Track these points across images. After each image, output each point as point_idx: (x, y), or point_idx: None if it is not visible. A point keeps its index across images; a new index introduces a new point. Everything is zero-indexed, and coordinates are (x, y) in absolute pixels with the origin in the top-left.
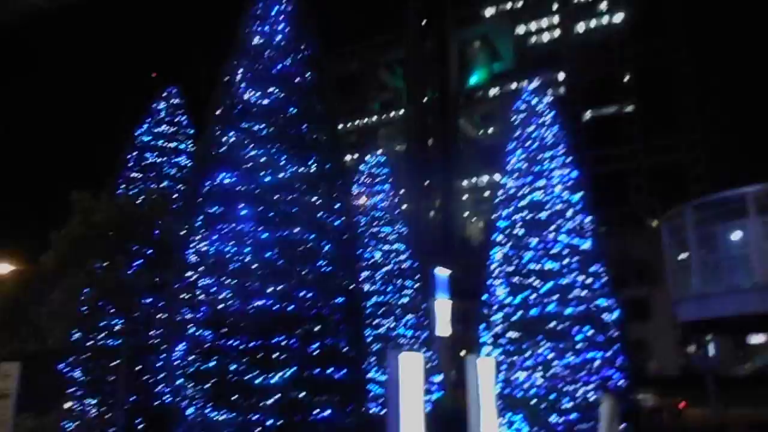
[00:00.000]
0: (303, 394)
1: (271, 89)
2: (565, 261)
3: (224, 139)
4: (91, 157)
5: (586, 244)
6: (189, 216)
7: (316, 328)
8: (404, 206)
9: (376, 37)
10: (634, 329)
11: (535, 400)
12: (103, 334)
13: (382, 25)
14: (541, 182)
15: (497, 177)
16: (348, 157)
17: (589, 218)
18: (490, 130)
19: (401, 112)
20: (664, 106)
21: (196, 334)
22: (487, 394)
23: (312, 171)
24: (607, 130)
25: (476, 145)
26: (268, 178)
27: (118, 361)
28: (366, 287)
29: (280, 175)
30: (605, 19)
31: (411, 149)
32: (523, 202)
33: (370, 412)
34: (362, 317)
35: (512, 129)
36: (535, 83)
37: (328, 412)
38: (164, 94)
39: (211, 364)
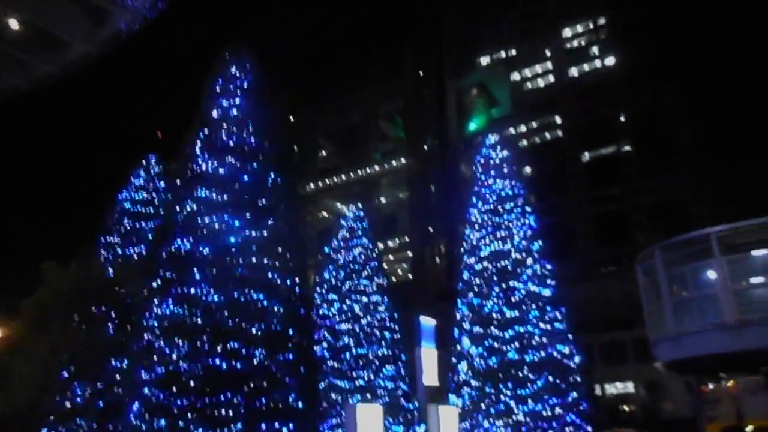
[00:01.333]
0: None
1: (227, 159)
2: (524, 308)
3: (183, 206)
4: (74, 224)
5: (546, 291)
6: (148, 280)
7: (264, 384)
8: (382, 258)
9: (375, 88)
10: (647, 370)
11: None
12: (72, 396)
13: (380, 77)
14: (501, 233)
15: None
16: (352, 207)
17: (548, 265)
18: None
19: (403, 160)
20: (661, 144)
21: (150, 394)
22: None
23: (265, 235)
24: (607, 170)
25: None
26: (221, 243)
27: (81, 422)
28: (345, 340)
29: (234, 240)
30: (597, 63)
31: (413, 197)
32: (483, 253)
33: None
34: (314, 372)
35: (472, 183)
36: (491, 139)
37: None
38: (143, 162)
39: (162, 422)
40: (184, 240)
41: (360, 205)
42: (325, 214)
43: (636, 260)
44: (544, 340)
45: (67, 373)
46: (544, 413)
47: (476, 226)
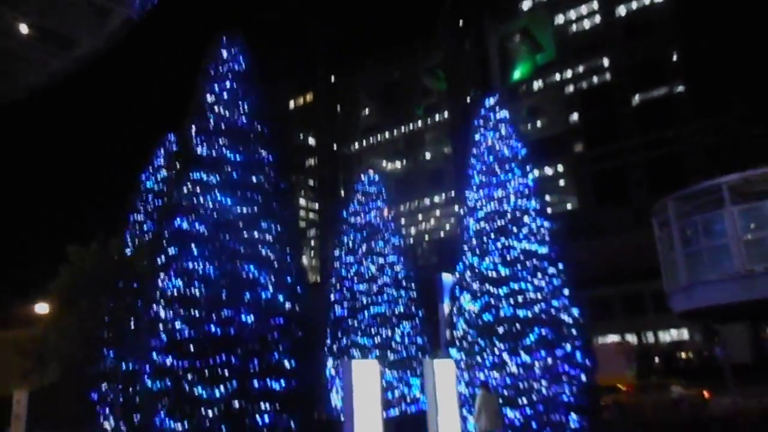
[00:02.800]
0: (244, 403)
1: (218, 141)
2: (519, 266)
3: (180, 188)
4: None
5: (543, 249)
6: (155, 256)
7: (256, 347)
8: (399, 221)
9: (414, 43)
10: None
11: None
12: (100, 363)
13: (419, 30)
14: (498, 193)
15: (549, 171)
16: (398, 164)
17: (546, 223)
18: (538, 124)
19: (446, 114)
20: (717, 83)
21: (157, 358)
22: (447, 393)
23: (254, 210)
24: (659, 113)
25: (525, 140)
26: (214, 221)
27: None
28: (363, 300)
29: (225, 217)
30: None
31: (458, 151)
32: (480, 213)
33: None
34: (308, 334)
35: (472, 144)
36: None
37: (268, 418)
38: (164, 142)
39: (168, 383)
40: (183, 219)
41: (405, 161)
42: (371, 173)
43: (652, 211)
44: (538, 295)
45: (95, 344)
46: (536, 364)
47: (474, 188)
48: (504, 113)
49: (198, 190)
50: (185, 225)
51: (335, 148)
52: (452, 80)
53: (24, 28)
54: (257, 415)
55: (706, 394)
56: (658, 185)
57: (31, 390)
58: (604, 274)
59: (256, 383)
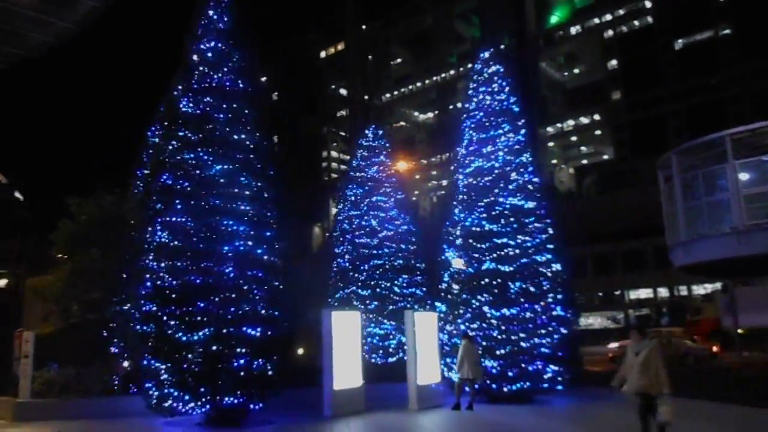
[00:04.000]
0: (221, 347)
1: (203, 100)
2: (504, 222)
3: (165, 145)
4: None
5: (531, 204)
6: (143, 211)
7: (233, 296)
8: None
9: None
10: None
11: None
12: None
13: None
14: (487, 149)
15: (584, 120)
16: (430, 114)
17: (535, 178)
18: (576, 71)
19: None
20: (764, 25)
21: (143, 305)
22: (428, 343)
23: (235, 167)
24: (703, 58)
25: (562, 88)
26: (197, 177)
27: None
28: (365, 251)
29: (207, 173)
30: None
31: None
32: (469, 169)
33: None
34: (284, 284)
35: (466, 100)
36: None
37: (243, 361)
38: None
39: (152, 327)
40: (169, 176)
41: (437, 111)
42: (403, 123)
43: (657, 165)
44: (519, 251)
45: (97, 291)
46: (515, 317)
47: (465, 143)
48: (497, 67)
49: (183, 148)
50: (170, 181)
51: (367, 99)
52: (486, 26)
53: None
54: (233, 359)
55: (715, 348)
56: (700, 135)
57: (48, 332)
58: (639, 226)
59: (232, 329)
